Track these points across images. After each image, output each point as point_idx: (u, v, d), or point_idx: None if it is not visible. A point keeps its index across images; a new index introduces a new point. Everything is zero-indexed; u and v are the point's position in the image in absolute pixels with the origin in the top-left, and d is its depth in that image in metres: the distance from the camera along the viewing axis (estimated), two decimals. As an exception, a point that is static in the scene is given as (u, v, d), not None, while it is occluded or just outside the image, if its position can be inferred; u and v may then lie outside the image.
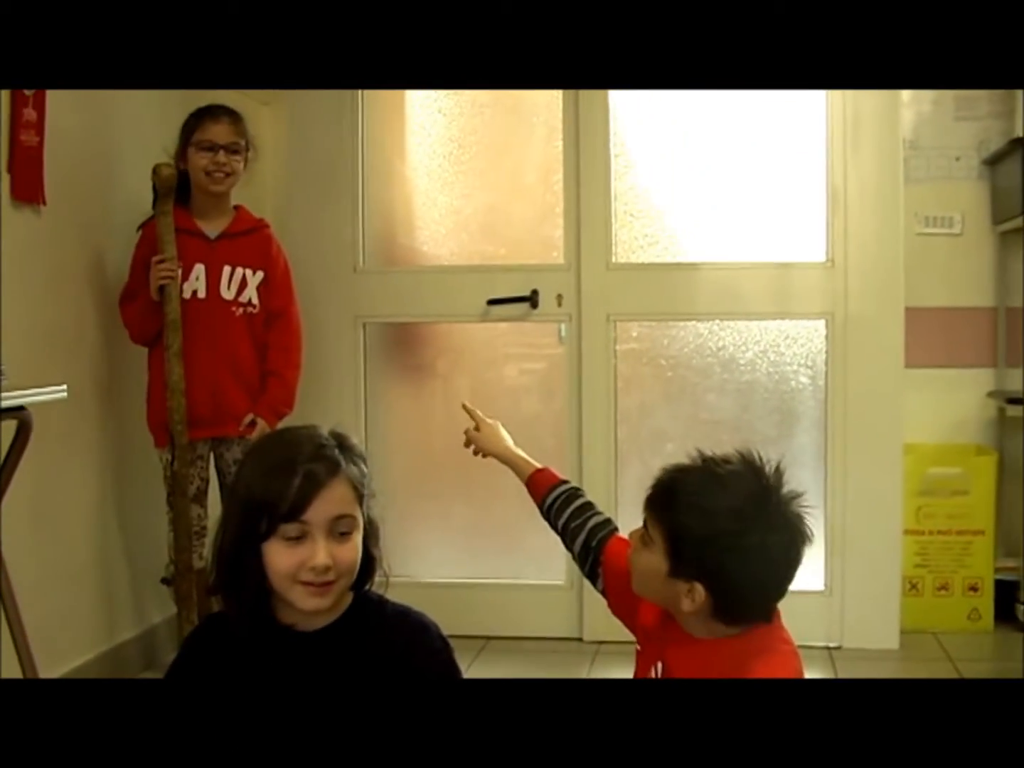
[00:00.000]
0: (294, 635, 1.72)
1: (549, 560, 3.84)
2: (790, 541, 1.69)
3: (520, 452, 2.18)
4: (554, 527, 2.07)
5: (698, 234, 3.90)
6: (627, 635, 1.94)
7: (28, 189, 2.97)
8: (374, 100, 4.04)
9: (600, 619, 2.04)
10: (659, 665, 1.78)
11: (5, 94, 2.87)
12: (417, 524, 4.01)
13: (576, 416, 3.92)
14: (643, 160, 3.92)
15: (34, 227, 3.03)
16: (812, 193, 3.82)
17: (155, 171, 3.20)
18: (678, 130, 3.90)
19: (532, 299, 3.90)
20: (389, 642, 1.72)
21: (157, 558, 3.42)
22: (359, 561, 1.71)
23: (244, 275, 3.35)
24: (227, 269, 3.33)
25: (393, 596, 1.79)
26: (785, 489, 1.71)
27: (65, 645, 3.14)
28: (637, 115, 3.90)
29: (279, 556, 1.66)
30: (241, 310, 3.35)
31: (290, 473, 1.65)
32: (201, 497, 3.35)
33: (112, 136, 3.41)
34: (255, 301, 3.37)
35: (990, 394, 4.09)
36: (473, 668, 3.54)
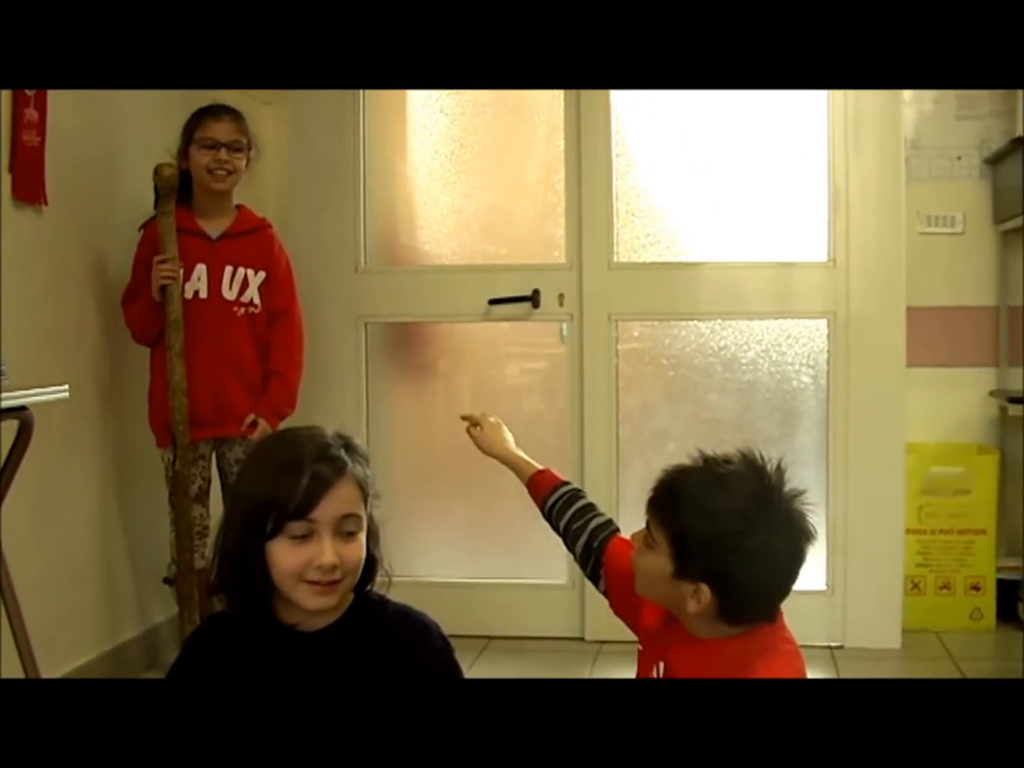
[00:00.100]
0: (295, 635, 1.72)
1: (551, 560, 3.84)
2: (794, 540, 1.69)
3: (521, 453, 2.17)
4: (555, 528, 2.07)
5: (700, 233, 3.90)
6: (629, 635, 1.94)
7: (29, 189, 2.97)
8: (376, 100, 4.04)
9: (602, 619, 2.04)
10: (661, 665, 1.78)
11: (6, 94, 2.88)
12: (419, 524, 4.01)
13: (578, 416, 3.92)
14: (645, 159, 3.92)
15: (35, 227, 3.03)
16: (813, 192, 3.82)
17: (157, 171, 3.20)
18: (679, 129, 3.90)
19: (534, 299, 3.90)
20: (390, 642, 1.72)
21: (159, 558, 3.43)
22: (363, 560, 1.71)
23: (246, 275, 3.35)
24: (229, 269, 3.33)
25: (395, 596, 1.79)
26: (787, 487, 1.71)
27: (67, 645, 3.14)
28: (638, 114, 3.90)
29: (285, 555, 1.66)
30: (243, 310, 3.35)
31: (297, 472, 1.65)
32: (203, 497, 3.35)
33: (113, 136, 3.41)
34: (257, 301, 3.37)
35: (992, 393, 4.09)
36: (475, 668, 3.54)
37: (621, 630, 1.97)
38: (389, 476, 3.84)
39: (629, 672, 1.89)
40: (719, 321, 3.89)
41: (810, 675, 1.77)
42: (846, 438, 3.79)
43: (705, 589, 1.67)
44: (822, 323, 3.83)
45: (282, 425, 3.31)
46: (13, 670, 2.59)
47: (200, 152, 3.28)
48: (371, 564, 1.74)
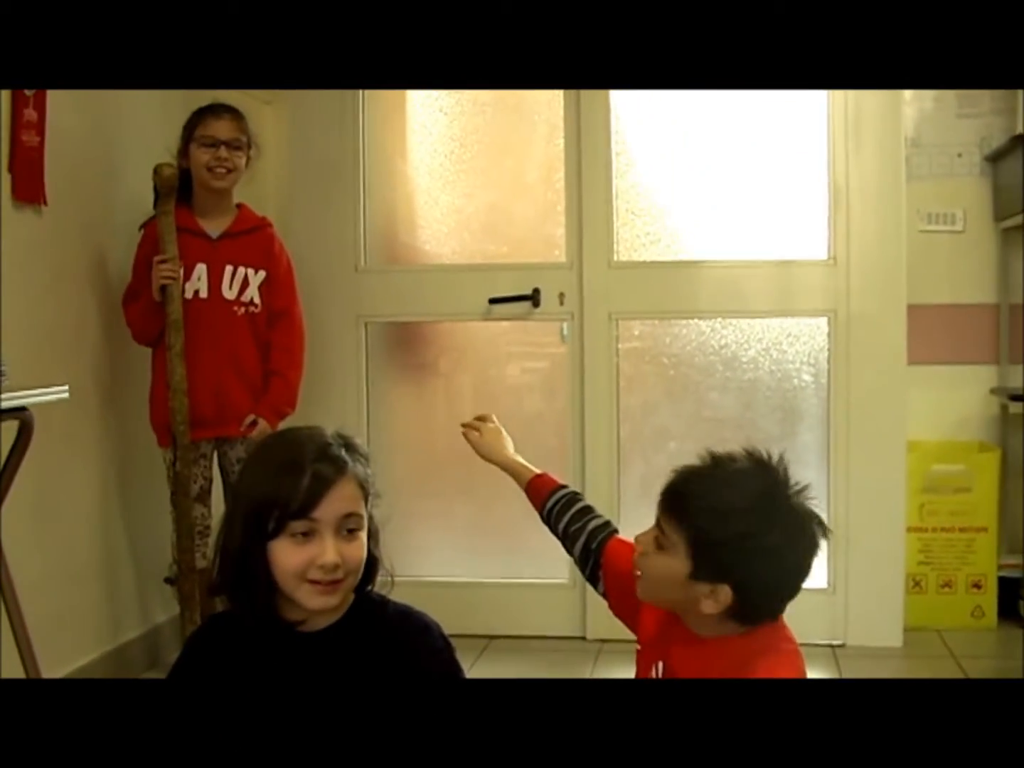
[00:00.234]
0: (297, 635, 1.72)
1: (552, 559, 3.82)
2: (811, 537, 1.71)
3: (519, 458, 2.18)
4: (554, 531, 2.07)
5: (700, 232, 3.90)
6: (630, 634, 1.94)
7: (29, 189, 2.97)
8: (375, 99, 4.04)
9: (603, 618, 2.03)
10: (660, 665, 1.78)
11: (6, 94, 2.88)
12: (420, 523, 4.01)
13: (578, 415, 3.92)
14: (645, 158, 3.92)
15: (35, 227, 3.03)
16: (814, 190, 3.82)
17: (157, 171, 3.20)
18: (679, 128, 3.90)
19: (534, 298, 3.90)
20: (391, 642, 1.72)
21: (161, 558, 3.43)
22: (365, 559, 1.71)
23: (246, 274, 3.35)
24: (229, 268, 3.33)
25: (396, 595, 1.79)
26: (793, 484, 1.72)
27: (68, 645, 3.14)
28: (638, 113, 3.90)
29: (287, 554, 1.66)
30: (243, 309, 3.35)
31: (299, 471, 1.65)
32: (204, 497, 3.35)
33: (113, 136, 3.41)
34: (257, 300, 3.37)
35: (993, 391, 4.09)
36: (476, 667, 3.54)
37: (622, 629, 1.97)
38: (390, 475, 3.84)
39: (630, 671, 1.89)
40: (720, 320, 3.89)
41: (812, 674, 1.77)
42: (847, 436, 3.79)
43: (726, 589, 1.66)
44: (823, 321, 3.83)
45: (282, 425, 3.32)
46: (13, 670, 2.59)
47: (200, 150, 3.28)
48: (372, 564, 1.74)
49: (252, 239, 3.39)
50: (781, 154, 3.86)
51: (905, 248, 3.78)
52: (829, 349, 3.82)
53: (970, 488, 3.92)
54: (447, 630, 1.77)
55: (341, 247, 4.00)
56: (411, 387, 4.23)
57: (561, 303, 3.91)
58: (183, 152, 3.30)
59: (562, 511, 2.06)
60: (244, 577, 1.69)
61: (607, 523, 2.05)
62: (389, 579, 1.78)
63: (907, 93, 3.92)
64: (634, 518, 3.67)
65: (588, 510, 2.06)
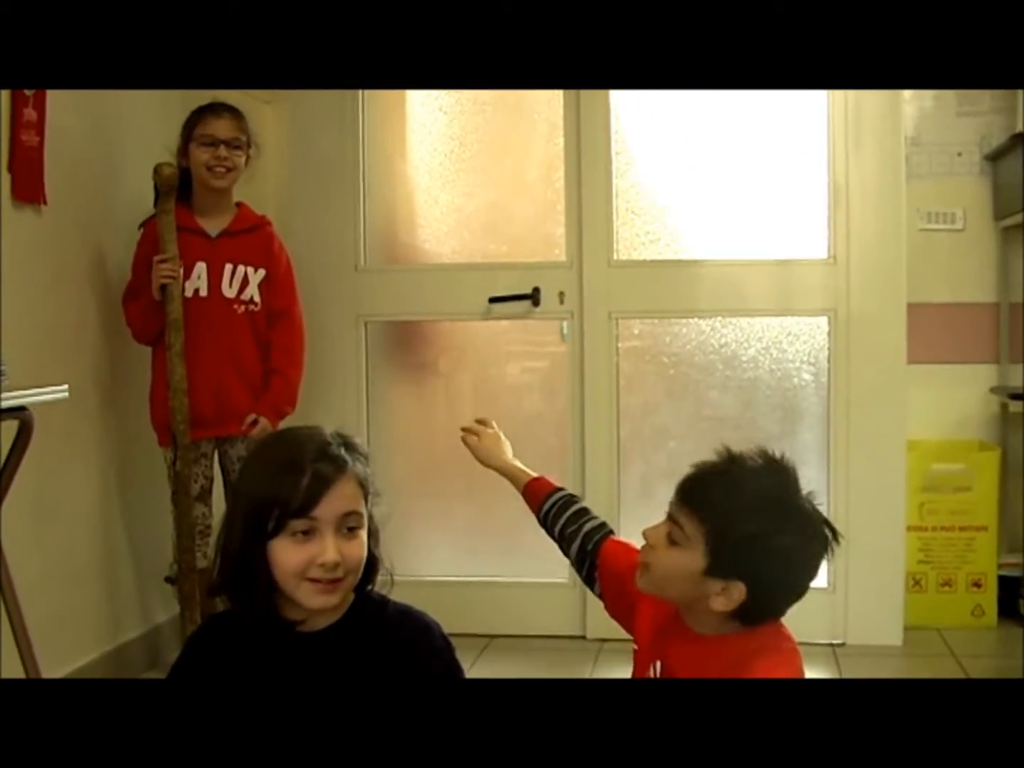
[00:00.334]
0: (297, 635, 1.72)
1: (552, 558, 3.77)
2: (822, 539, 1.72)
3: (517, 463, 2.19)
4: (551, 534, 2.09)
5: (700, 231, 3.90)
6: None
7: (29, 189, 2.97)
8: (375, 98, 4.03)
9: (603, 617, 2.03)
10: (658, 664, 1.78)
11: (5, 94, 2.87)
12: (419, 522, 4.01)
13: (578, 414, 3.92)
14: (644, 157, 3.92)
15: (35, 227, 3.03)
16: (814, 190, 3.82)
17: (156, 170, 3.20)
18: (679, 127, 3.90)
19: (534, 297, 3.90)
20: (391, 642, 1.73)
21: (161, 557, 3.43)
22: (365, 558, 1.71)
23: (246, 273, 3.35)
24: (228, 267, 3.33)
25: (396, 595, 1.79)
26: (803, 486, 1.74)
27: (68, 645, 3.14)
28: (638, 112, 3.90)
29: (288, 553, 1.66)
30: (243, 308, 3.35)
31: (299, 470, 1.65)
32: (205, 496, 3.35)
33: (113, 135, 3.41)
34: (257, 299, 3.37)
35: (993, 390, 4.09)
36: (476, 667, 3.54)
37: (622, 629, 1.97)
38: (389, 475, 3.84)
39: (630, 671, 1.89)
40: (720, 319, 3.89)
41: (812, 673, 1.77)
42: (847, 435, 3.79)
43: (740, 587, 1.67)
44: (823, 320, 3.83)
45: (282, 424, 3.32)
46: (13, 670, 2.59)
47: (200, 149, 3.27)
48: (371, 563, 1.74)
49: (251, 238, 3.39)
50: (781, 153, 3.86)
51: (905, 247, 3.78)
52: (829, 348, 3.82)
53: (970, 487, 3.92)
54: (447, 629, 1.77)
55: (341, 246, 4.00)
56: (411, 386, 4.23)
57: (561, 302, 3.91)
58: (182, 151, 3.30)
59: (558, 513, 2.07)
60: (244, 577, 1.69)
61: (603, 524, 2.05)
62: (389, 578, 1.78)
63: (907, 92, 3.92)
64: (634, 517, 3.70)
65: (584, 512, 2.07)
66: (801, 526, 1.69)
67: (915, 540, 3.90)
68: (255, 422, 3.32)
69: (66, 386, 2.51)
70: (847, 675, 3.49)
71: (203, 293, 3.30)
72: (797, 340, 3.87)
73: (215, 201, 3.35)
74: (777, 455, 1.74)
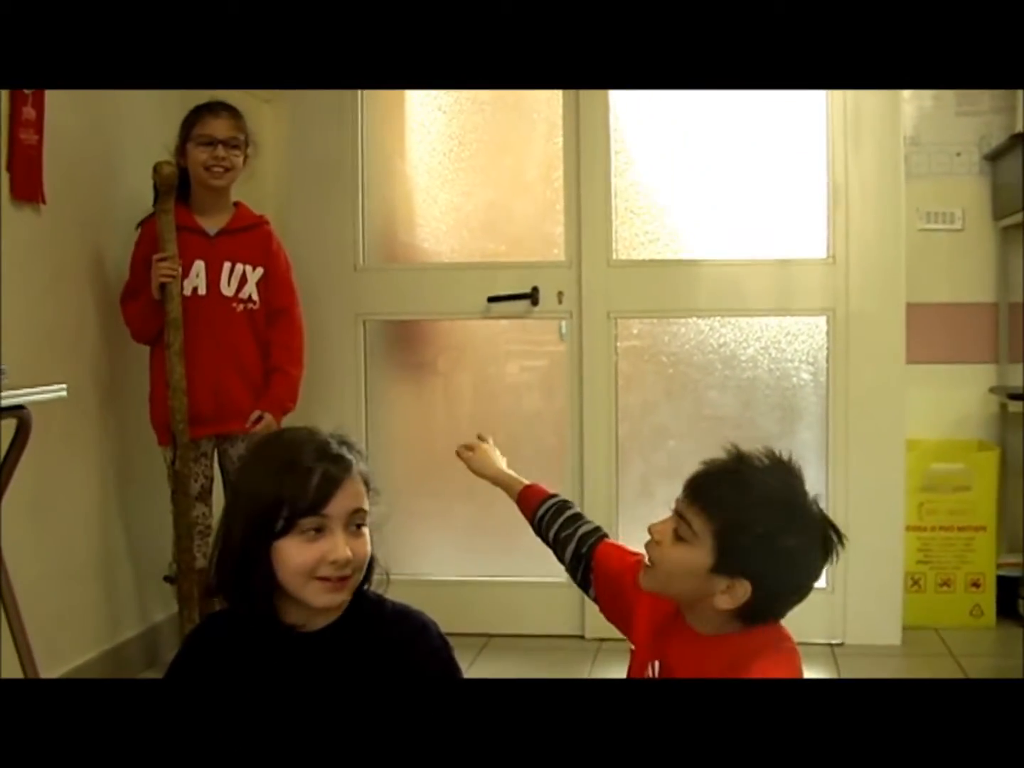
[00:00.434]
0: (295, 635, 1.72)
1: (550, 558, 3.81)
2: (827, 541, 1.72)
3: (511, 472, 2.20)
4: (545, 539, 2.10)
5: (699, 231, 3.90)
6: (629, 633, 1.94)
7: (28, 188, 2.97)
8: (374, 98, 4.03)
9: (602, 617, 2.03)
10: (656, 664, 1.78)
11: (4, 93, 2.87)
12: (418, 522, 4.01)
13: (577, 413, 3.92)
14: (644, 157, 3.92)
15: (34, 226, 3.03)
16: (813, 189, 3.82)
17: (156, 169, 3.20)
18: (679, 126, 3.90)
19: (533, 296, 3.90)
20: (389, 641, 1.72)
21: (160, 556, 3.42)
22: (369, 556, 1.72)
23: (244, 271, 3.35)
24: (227, 265, 3.33)
25: (394, 594, 1.79)
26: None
27: (67, 644, 3.14)
28: (638, 112, 3.90)
29: (297, 551, 1.66)
30: (242, 306, 3.35)
31: (308, 469, 1.66)
32: (205, 495, 3.35)
33: (112, 134, 3.40)
34: (255, 297, 3.36)
35: (992, 390, 4.09)
36: (475, 666, 3.54)
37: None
38: (389, 474, 3.84)
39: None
40: (719, 318, 3.89)
41: (810, 673, 1.78)
42: (846, 435, 3.79)
43: (746, 585, 1.67)
44: (822, 320, 3.83)
45: (283, 422, 3.31)
46: (13, 670, 2.59)
47: (198, 149, 3.27)
48: (368, 562, 1.74)
49: (250, 236, 3.39)
50: (780, 153, 3.86)
51: (904, 247, 3.78)
52: (828, 348, 3.83)
53: (969, 487, 3.92)
54: (445, 629, 1.77)
55: (340, 245, 4.00)
56: (410, 385, 4.23)
57: (560, 302, 3.91)
58: (180, 151, 3.29)
59: (552, 519, 2.08)
60: (244, 577, 1.69)
61: (597, 528, 2.07)
62: (385, 577, 1.78)
63: (906, 92, 3.92)
64: (633, 516, 3.70)
65: (578, 516, 2.09)
66: (808, 528, 1.70)
67: (914, 540, 3.90)
68: (260, 418, 3.31)
69: (64, 385, 2.51)
70: (846, 675, 3.50)
71: (201, 292, 3.30)
72: (796, 340, 3.87)
73: (213, 200, 3.35)
74: (785, 456, 1.75)
